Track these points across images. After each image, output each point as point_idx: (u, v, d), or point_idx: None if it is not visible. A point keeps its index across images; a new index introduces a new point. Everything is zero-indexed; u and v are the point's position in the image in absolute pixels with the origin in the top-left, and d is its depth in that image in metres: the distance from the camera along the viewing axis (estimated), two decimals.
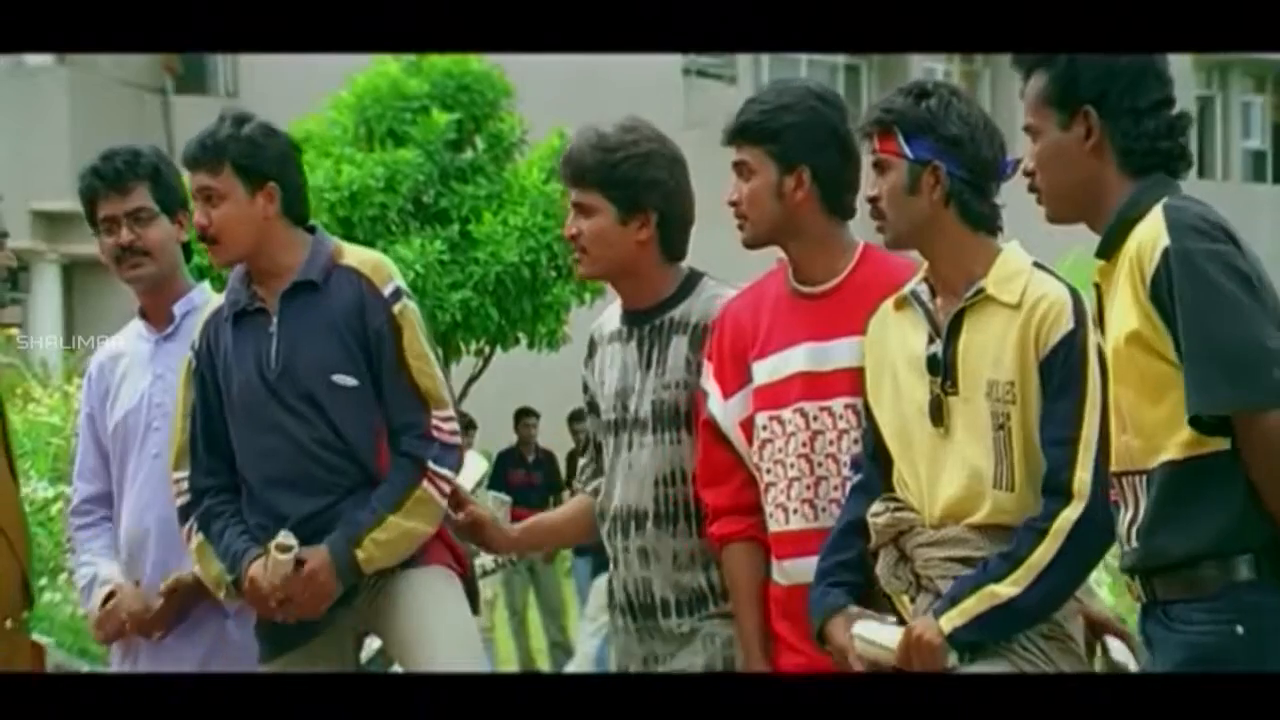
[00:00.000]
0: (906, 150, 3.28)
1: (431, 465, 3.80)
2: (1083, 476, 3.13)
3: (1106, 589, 5.33)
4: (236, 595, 3.82)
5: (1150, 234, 2.86)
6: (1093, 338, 3.15)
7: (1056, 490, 3.16)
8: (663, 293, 3.78)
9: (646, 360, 3.78)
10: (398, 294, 3.84)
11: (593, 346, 3.93)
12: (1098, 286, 3.01)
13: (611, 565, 3.85)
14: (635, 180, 3.73)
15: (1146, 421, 2.88)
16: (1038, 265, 3.30)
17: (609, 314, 3.93)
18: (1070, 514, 3.13)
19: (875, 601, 3.34)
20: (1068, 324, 3.18)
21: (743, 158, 3.56)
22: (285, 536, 3.68)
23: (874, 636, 3.24)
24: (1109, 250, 2.95)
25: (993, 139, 3.31)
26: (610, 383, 3.82)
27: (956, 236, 3.29)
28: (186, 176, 3.92)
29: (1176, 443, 2.83)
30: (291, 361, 3.79)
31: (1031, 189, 3.06)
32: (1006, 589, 3.14)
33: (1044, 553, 3.13)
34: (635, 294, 3.82)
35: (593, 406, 3.92)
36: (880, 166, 3.32)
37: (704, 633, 3.72)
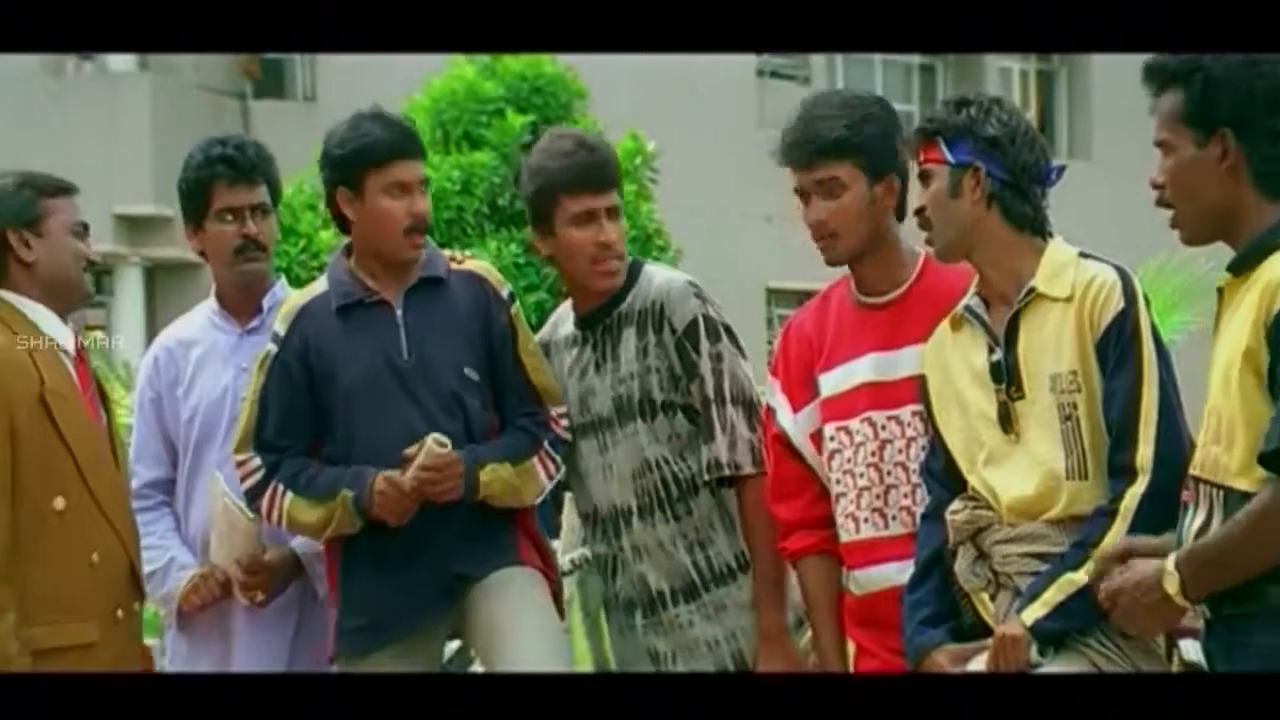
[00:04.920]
0: (948, 155, 3.31)
1: (546, 446, 3.87)
2: (1145, 452, 3.14)
3: None
4: (357, 515, 3.75)
5: None
6: (1145, 315, 3.17)
7: (1120, 469, 3.17)
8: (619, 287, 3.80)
9: (601, 359, 3.82)
10: (511, 297, 3.96)
11: (545, 352, 3.93)
12: (1220, 292, 2.99)
13: (606, 568, 3.88)
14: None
15: (1239, 442, 2.88)
16: (1084, 255, 3.31)
17: (560, 317, 3.95)
18: (1136, 491, 3.14)
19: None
20: (1118, 304, 3.20)
21: (831, 174, 3.50)
22: (440, 436, 3.73)
23: (979, 667, 3.24)
24: (1242, 268, 2.93)
25: (1034, 144, 3.32)
26: (572, 389, 3.86)
27: (1001, 238, 3.31)
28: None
29: (1256, 478, 2.83)
30: (425, 353, 3.84)
31: (1160, 203, 3.02)
32: (1084, 575, 3.13)
33: (1115, 534, 3.13)
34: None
35: None
36: (925, 177, 3.34)
37: (704, 636, 3.75)
